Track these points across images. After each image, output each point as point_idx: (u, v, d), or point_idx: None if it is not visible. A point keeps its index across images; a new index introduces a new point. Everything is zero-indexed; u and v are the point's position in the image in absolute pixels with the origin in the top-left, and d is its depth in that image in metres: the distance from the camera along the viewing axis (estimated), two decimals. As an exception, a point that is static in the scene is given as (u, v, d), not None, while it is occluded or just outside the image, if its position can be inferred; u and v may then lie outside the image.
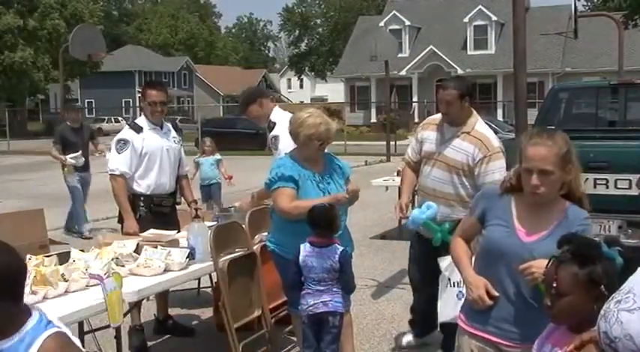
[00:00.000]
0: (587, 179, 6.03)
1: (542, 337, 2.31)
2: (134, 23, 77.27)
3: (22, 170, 21.59)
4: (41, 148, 31.04)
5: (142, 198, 5.29)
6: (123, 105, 54.44)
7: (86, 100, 59.57)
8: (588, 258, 2.11)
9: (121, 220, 5.35)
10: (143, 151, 5.27)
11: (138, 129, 5.33)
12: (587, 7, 46.05)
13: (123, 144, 5.27)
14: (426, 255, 4.75)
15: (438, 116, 4.81)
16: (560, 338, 2.21)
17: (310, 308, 4.02)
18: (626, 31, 24.25)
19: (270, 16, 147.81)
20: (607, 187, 5.93)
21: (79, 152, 9.68)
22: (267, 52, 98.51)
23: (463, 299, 4.61)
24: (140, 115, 5.56)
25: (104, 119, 49.26)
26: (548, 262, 2.19)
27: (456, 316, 4.67)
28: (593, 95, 8.14)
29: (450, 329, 4.92)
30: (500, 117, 34.11)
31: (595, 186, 5.98)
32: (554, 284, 2.13)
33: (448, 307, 4.57)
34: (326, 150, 4.43)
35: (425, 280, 4.85)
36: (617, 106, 7.65)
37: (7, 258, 2.03)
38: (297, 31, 68.54)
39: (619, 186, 5.85)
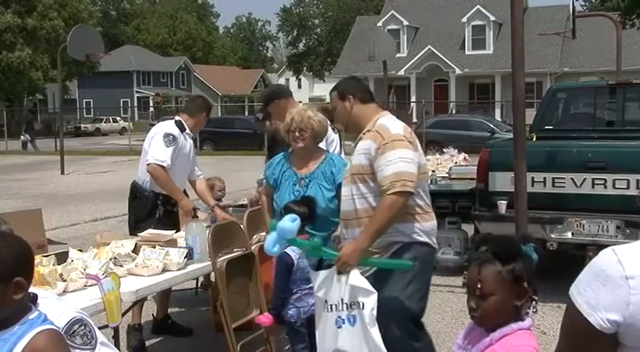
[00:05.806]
0: (585, 179, 6.05)
1: (461, 337, 2.30)
2: (132, 23, 77.17)
3: (20, 170, 21.56)
4: (38, 148, 31.06)
5: (160, 198, 5.26)
6: (121, 105, 54.37)
7: (84, 100, 59.59)
8: (509, 256, 2.10)
9: (141, 216, 5.30)
10: (179, 152, 5.24)
11: (182, 129, 5.32)
12: (585, 7, 46.07)
13: (172, 139, 5.18)
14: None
15: None
16: (477, 336, 2.21)
17: (312, 308, 3.99)
18: (625, 31, 24.27)
19: (269, 16, 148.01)
20: (605, 187, 5.94)
21: None
22: (265, 52, 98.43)
23: (345, 327, 3.43)
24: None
25: (102, 119, 49.24)
26: (467, 265, 2.17)
27: (336, 349, 3.48)
28: (591, 95, 8.14)
29: None
30: (498, 117, 34.07)
31: (593, 187, 5.99)
32: (479, 285, 2.10)
33: (327, 339, 3.61)
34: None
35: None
36: (615, 106, 7.65)
37: (25, 243, 2.11)
38: (296, 31, 68.48)
39: (617, 187, 5.86)
